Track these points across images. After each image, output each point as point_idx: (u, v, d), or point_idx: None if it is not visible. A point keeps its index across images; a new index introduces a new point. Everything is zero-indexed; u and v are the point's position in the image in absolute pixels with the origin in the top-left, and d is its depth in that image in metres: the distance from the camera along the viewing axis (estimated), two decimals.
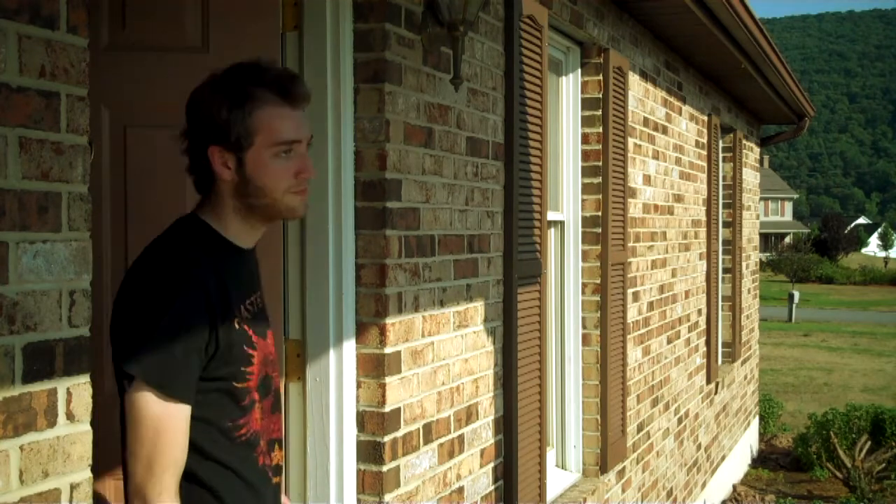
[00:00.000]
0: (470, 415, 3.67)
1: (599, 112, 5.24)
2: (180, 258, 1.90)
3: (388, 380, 3.09)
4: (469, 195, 3.64)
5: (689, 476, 7.36)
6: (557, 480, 4.98)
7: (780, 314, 29.35)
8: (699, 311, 7.77)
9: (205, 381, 1.88)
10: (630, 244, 5.76)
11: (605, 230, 5.26)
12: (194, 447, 1.89)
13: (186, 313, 1.84)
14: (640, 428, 5.96)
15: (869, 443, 9.54)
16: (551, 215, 4.83)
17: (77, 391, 1.76)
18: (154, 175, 3.00)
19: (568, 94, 5.24)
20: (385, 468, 3.08)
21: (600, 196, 5.24)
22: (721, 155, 9.10)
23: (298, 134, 1.97)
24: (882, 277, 50.20)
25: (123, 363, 1.83)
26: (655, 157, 6.40)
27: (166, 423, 1.82)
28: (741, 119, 9.99)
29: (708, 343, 7.99)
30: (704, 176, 7.88)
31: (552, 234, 5.10)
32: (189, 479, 1.89)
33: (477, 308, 3.72)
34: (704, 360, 7.92)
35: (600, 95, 5.24)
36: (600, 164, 5.23)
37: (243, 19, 3.01)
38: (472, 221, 3.67)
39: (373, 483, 3.10)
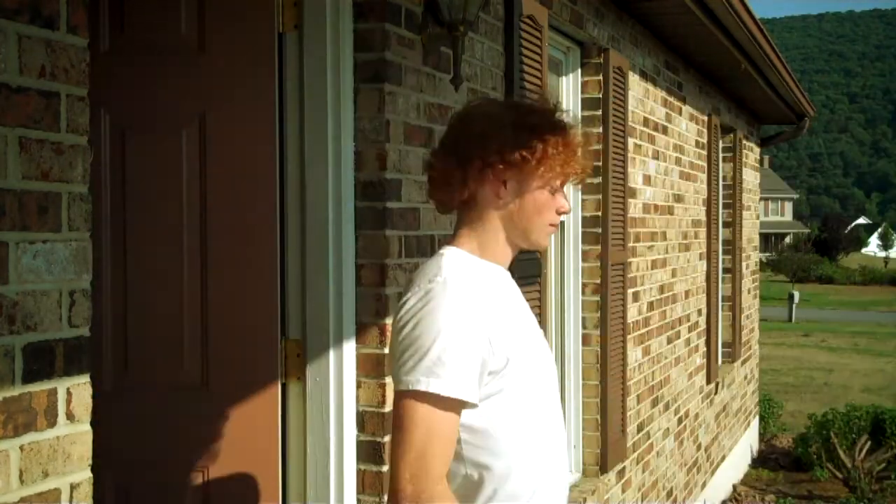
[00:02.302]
0: None
1: (599, 112, 5.24)
2: None
3: (388, 380, 3.08)
4: None
5: (689, 476, 7.35)
6: None
7: (780, 314, 29.32)
8: (699, 311, 7.77)
9: None
10: (630, 244, 5.76)
11: (605, 230, 5.26)
12: None
13: None
14: (640, 428, 5.96)
15: (869, 443, 9.53)
16: None
17: (77, 391, 1.76)
18: (152, 176, 3.01)
19: (568, 94, 5.24)
20: (385, 468, 3.08)
21: (600, 196, 5.24)
22: (721, 155, 9.10)
23: None
24: (882, 277, 50.16)
25: None
26: (655, 157, 6.40)
27: None
28: (741, 119, 9.99)
29: (708, 343, 7.99)
30: (704, 176, 7.88)
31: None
32: None
33: None
34: (704, 360, 7.92)
35: (600, 95, 5.24)
36: (600, 164, 5.23)
37: (239, 20, 3.01)
38: None
39: (373, 483, 3.09)
